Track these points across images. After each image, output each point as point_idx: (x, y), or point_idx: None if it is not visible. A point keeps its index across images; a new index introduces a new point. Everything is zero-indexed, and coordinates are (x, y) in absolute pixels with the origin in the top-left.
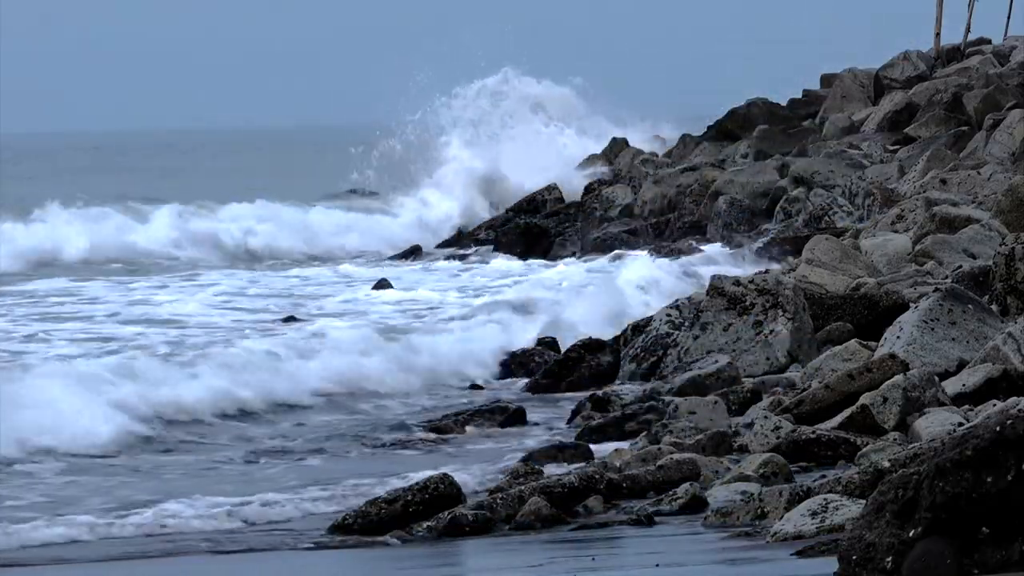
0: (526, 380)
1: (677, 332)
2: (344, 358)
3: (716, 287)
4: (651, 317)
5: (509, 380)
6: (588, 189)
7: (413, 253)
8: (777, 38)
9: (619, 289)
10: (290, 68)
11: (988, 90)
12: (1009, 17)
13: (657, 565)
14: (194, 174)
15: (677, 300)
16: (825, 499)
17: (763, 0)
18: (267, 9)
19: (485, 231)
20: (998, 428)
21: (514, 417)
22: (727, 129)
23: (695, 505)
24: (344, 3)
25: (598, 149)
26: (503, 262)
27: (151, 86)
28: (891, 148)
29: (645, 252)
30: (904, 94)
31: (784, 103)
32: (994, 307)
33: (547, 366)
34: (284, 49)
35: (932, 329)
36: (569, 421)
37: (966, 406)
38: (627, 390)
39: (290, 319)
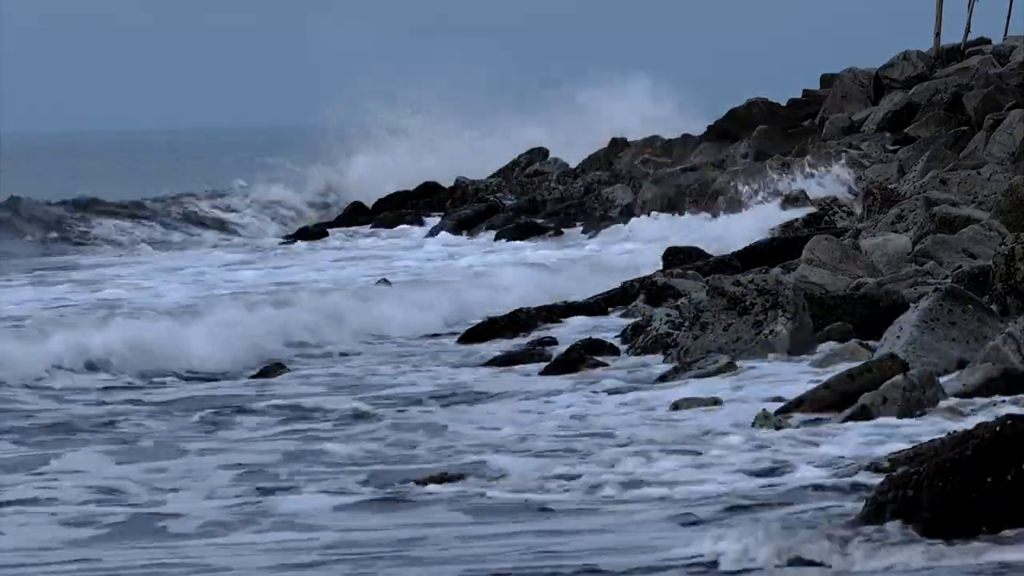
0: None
1: (677, 332)
2: None
3: (716, 287)
4: (651, 317)
5: None
6: (588, 189)
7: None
8: (777, 38)
9: None
10: None
11: (988, 90)
12: (1009, 17)
13: None
14: None
15: (678, 300)
16: None
17: (763, 0)
18: None
19: (485, 230)
20: (998, 428)
21: None
22: (727, 129)
23: None
24: None
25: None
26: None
27: None
28: (891, 148)
29: None
30: (904, 94)
31: (784, 103)
32: (994, 307)
33: (547, 365)
34: None
35: (932, 329)
36: None
37: None
38: None
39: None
